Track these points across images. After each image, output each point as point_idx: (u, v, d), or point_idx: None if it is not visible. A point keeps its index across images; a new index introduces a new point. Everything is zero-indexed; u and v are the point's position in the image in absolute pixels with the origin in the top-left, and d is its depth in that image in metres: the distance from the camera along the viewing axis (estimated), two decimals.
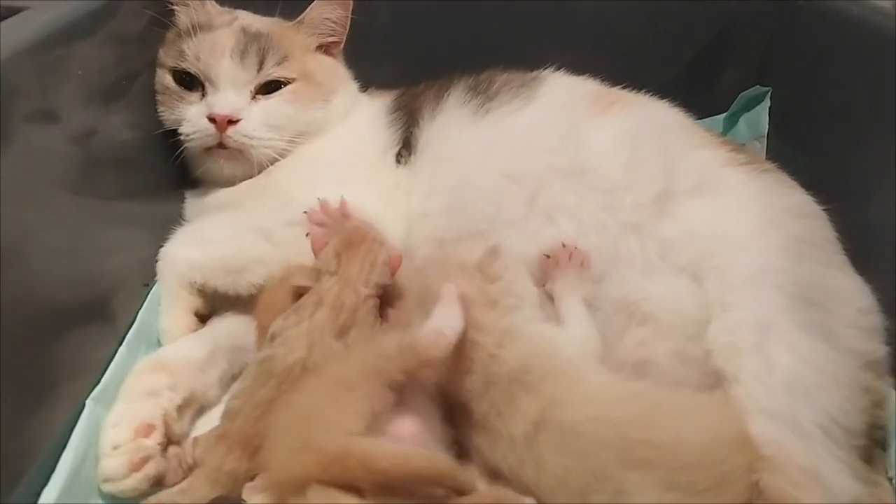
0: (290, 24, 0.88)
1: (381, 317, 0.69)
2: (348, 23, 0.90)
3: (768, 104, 0.99)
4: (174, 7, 0.88)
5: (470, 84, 0.88)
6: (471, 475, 0.58)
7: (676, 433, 0.56)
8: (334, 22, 0.89)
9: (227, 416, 0.63)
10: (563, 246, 0.73)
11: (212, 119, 0.81)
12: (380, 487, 0.52)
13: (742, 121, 1.04)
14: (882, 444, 0.68)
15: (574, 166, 0.77)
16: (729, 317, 0.66)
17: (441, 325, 0.57)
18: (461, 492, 0.56)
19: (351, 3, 0.89)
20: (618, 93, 0.87)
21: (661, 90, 0.89)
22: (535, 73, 0.90)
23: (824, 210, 0.80)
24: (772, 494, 0.54)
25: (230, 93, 0.82)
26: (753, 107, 1.02)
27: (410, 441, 0.58)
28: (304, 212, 0.77)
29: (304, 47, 0.88)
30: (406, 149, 0.86)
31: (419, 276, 0.68)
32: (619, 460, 0.55)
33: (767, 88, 1.00)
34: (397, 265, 0.70)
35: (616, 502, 0.54)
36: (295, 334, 0.63)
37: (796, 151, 0.96)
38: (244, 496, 0.58)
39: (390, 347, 0.57)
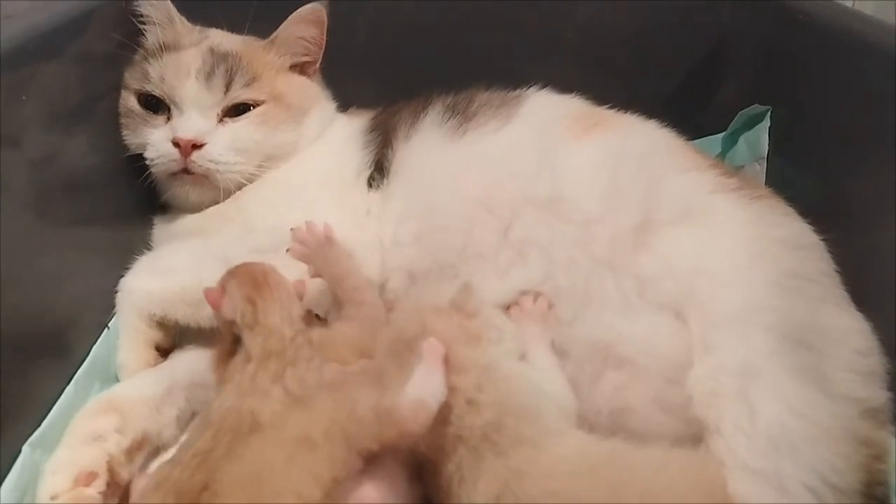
0: (262, 42, 0.85)
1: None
2: (324, 41, 0.87)
3: (768, 123, 0.94)
4: (143, 26, 0.85)
5: (448, 103, 0.84)
6: None
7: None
8: (308, 41, 0.86)
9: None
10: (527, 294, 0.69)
11: (176, 143, 0.78)
12: None
13: (742, 140, 0.99)
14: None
15: (548, 195, 0.73)
16: (711, 360, 0.61)
17: (423, 393, 0.52)
18: None
19: (325, 21, 0.85)
20: (602, 113, 0.82)
21: (657, 108, 0.85)
22: (518, 92, 0.85)
23: (825, 238, 0.75)
24: None
25: (195, 115, 0.79)
26: (753, 126, 0.96)
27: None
28: (291, 228, 0.74)
29: (275, 67, 0.85)
30: (378, 172, 0.82)
31: (392, 323, 0.64)
32: None
33: (767, 107, 0.94)
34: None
35: None
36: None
37: (798, 173, 0.91)
38: None
39: (365, 411, 0.53)
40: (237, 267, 0.64)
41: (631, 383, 0.64)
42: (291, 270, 0.73)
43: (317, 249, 0.74)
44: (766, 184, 0.93)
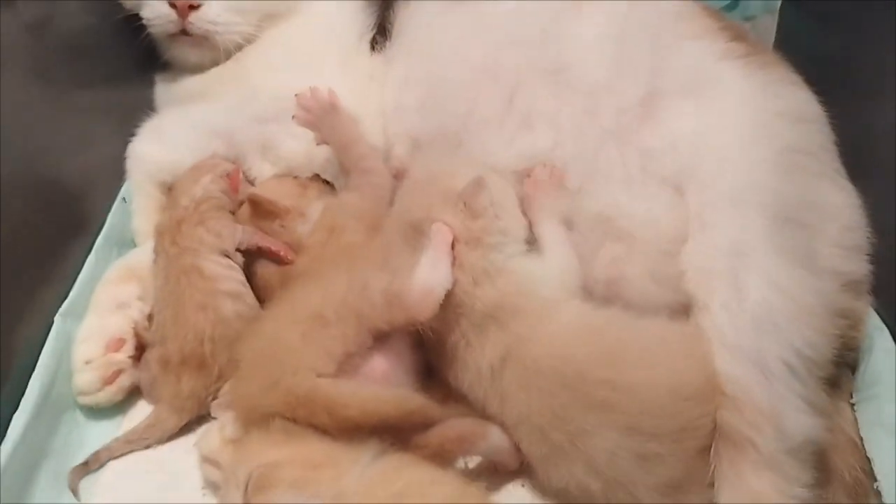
0: None
1: None
2: None
3: None
4: None
5: None
6: (438, 409, 0.58)
7: (639, 376, 0.55)
8: None
9: (157, 340, 0.64)
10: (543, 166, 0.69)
11: (172, 4, 0.76)
12: (345, 429, 0.53)
13: None
14: (852, 367, 0.67)
15: (554, 63, 0.71)
16: (704, 238, 0.63)
17: (430, 281, 0.56)
18: (430, 425, 0.57)
19: None
20: None
21: None
22: None
23: (828, 102, 0.76)
24: (728, 432, 0.54)
25: None
26: None
27: (381, 380, 0.58)
28: (296, 95, 0.74)
29: None
30: (381, 34, 0.80)
31: (401, 200, 0.66)
32: (579, 400, 0.54)
33: None
34: (236, 178, 0.73)
35: (575, 442, 0.54)
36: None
37: (810, 27, 0.88)
38: (212, 413, 0.60)
39: (376, 294, 0.56)
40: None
41: (628, 255, 0.67)
42: (297, 137, 0.75)
43: (322, 116, 0.74)
44: (776, 37, 0.91)
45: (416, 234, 0.62)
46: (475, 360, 0.59)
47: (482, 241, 0.62)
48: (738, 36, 0.75)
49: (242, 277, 0.68)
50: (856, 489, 0.58)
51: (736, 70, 0.71)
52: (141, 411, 0.66)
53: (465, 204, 0.62)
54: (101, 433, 0.64)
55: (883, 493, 0.58)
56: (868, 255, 0.69)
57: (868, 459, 0.60)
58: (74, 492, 0.60)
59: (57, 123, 0.73)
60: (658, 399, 0.54)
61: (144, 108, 0.84)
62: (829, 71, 0.82)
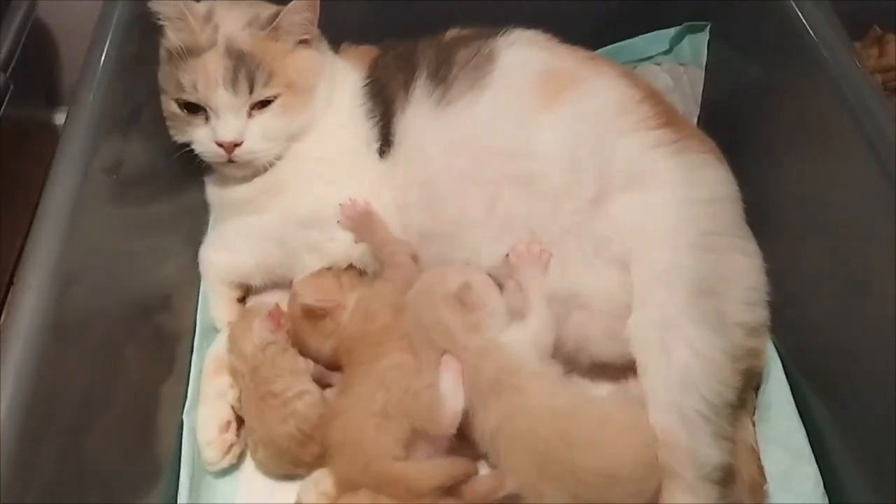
0: (266, 32, 0.96)
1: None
2: (318, 17, 0.98)
3: (707, 37, 1.09)
4: (160, 23, 0.97)
5: (432, 71, 0.98)
6: (475, 466, 0.84)
7: (585, 460, 0.76)
8: (306, 23, 0.97)
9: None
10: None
11: (220, 144, 0.95)
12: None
13: (686, 41, 1.13)
14: (756, 388, 0.93)
15: (523, 175, 0.92)
16: (641, 313, 0.85)
17: (456, 406, 0.80)
18: (470, 476, 0.83)
19: (317, 1, 0.96)
20: (566, 73, 0.95)
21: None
22: (490, 45, 0.98)
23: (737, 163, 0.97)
24: (665, 466, 0.79)
25: (230, 118, 0.94)
26: (697, 32, 1.11)
27: (432, 451, 0.83)
28: (340, 204, 0.96)
29: (283, 53, 0.97)
30: (384, 142, 1.00)
31: (412, 307, 0.89)
32: (543, 471, 0.77)
33: (706, 23, 1.08)
34: (276, 315, 0.94)
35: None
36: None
37: (731, 86, 1.08)
38: (302, 488, 0.85)
39: (419, 406, 0.81)
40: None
41: (590, 321, 0.90)
42: (338, 239, 0.97)
43: (359, 221, 0.96)
44: (703, 91, 1.11)
45: (430, 334, 0.86)
46: (480, 426, 0.82)
47: (479, 327, 0.85)
48: (668, 120, 0.94)
49: (307, 379, 0.91)
50: (752, 487, 0.84)
51: (665, 160, 0.91)
52: (250, 468, 0.91)
53: (460, 303, 0.85)
54: (227, 485, 0.90)
55: (769, 494, 0.85)
56: (767, 301, 0.94)
57: (761, 466, 0.87)
58: None
59: (138, 243, 0.92)
60: (598, 481, 0.75)
61: (204, 212, 1.06)
62: (742, 126, 1.04)
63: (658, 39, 1.16)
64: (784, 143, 0.97)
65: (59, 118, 1.33)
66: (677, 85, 1.16)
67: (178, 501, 0.85)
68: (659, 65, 1.18)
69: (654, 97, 0.98)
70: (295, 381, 0.90)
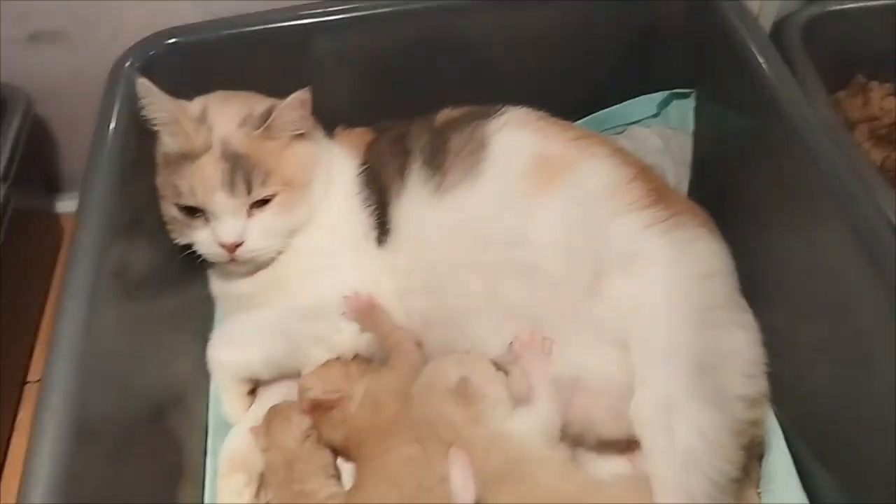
0: (259, 131, 0.98)
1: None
2: (310, 114, 1.01)
3: (693, 104, 1.11)
4: (155, 128, 0.99)
5: (426, 159, 1.00)
6: None
7: None
8: (298, 120, 0.99)
9: None
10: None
11: (222, 245, 0.97)
12: None
13: (673, 106, 1.16)
14: (760, 457, 0.95)
15: (521, 263, 0.94)
16: (643, 394, 0.87)
17: (467, 500, 0.82)
18: None
19: (309, 98, 0.98)
20: (558, 157, 0.98)
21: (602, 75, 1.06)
22: (482, 129, 1.01)
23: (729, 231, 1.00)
24: None
25: (230, 220, 0.97)
26: (683, 98, 1.13)
27: None
28: (344, 296, 0.98)
29: (278, 151, 0.99)
30: (382, 231, 1.02)
31: (415, 399, 0.91)
32: None
33: (691, 91, 1.10)
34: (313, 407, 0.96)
35: None
36: None
37: (718, 151, 1.10)
38: None
39: (431, 497, 0.84)
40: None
41: (593, 402, 0.92)
42: (343, 330, 0.99)
43: (363, 313, 0.98)
44: (693, 157, 1.13)
45: (434, 429, 0.88)
46: None
47: (480, 419, 0.87)
48: (660, 197, 0.96)
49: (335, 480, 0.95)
50: None
51: (658, 238, 0.93)
52: None
53: (461, 397, 0.87)
54: None
55: None
56: (766, 372, 0.96)
57: None
58: None
59: (148, 343, 0.95)
60: None
61: (209, 306, 1.08)
62: (730, 192, 1.06)
63: (646, 104, 1.19)
64: (771, 210, 0.99)
65: (61, 206, 1.37)
66: (667, 146, 1.18)
67: None
68: (648, 127, 1.21)
69: (645, 174, 1.00)
70: (326, 481, 0.93)
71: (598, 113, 1.21)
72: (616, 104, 1.21)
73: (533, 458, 0.86)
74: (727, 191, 1.07)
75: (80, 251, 0.85)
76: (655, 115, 1.19)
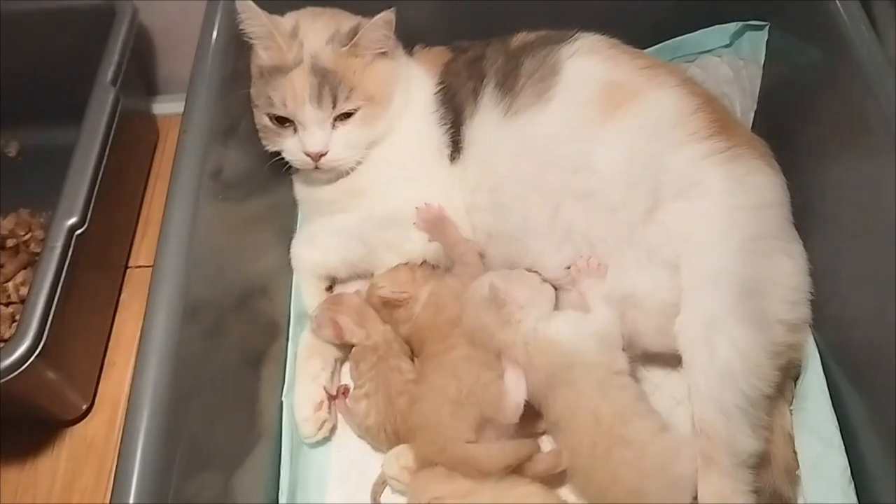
0: (347, 48, 1.04)
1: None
2: (394, 30, 1.07)
3: (766, 36, 1.12)
4: (251, 41, 1.07)
5: (499, 80, 1.06)
6: (537, 445, 0.96)
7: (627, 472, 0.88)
8: (383, 40, 1.06)
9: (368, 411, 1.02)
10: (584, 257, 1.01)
11: (307, 153, 1.06)
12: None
13: (746, 37, 1.17)
14: (795, 378, 1.01)
15: (584, 189, 0.99)
16: (689, 312, 0.93)
17: (519, 398, 0.91)
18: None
19: (393, 19, 1.04)
20: (626, 86, 1.01)
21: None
22: (554, 55, 1.05)
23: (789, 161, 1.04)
24: (703, 453, 0.88)
25: (316, 130, 1.05)
26: (757, 30, 1.14)
27: (501, 433, 0.94)
28: (416, 207, 1.06)
29: (362, 68, 1.06)
30: (455, 149, 1.09)
31: (464, 309, 1.00)
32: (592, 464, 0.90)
33: (765, 24, 1.12)
34: (339, 329, 1.05)
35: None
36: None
37: (787, 85, 1.12)
38: (386, 460, 0.99)
39: (488, 397, 0.92)
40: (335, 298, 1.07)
41: (642, 318, 0.99)
42: (413, 239, 1.08)
43: (433, 224, 1.07)
44: (760, 90, 1.15)
45: (477, 337, 0.97)
46: (547, 414, 0.95)
47: (510, 320, 0.95)
48: (721, 128, 1.00)
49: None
50: (786, 471, 0.94)
51: (716, 169, 0.98)
52: (340, 440, 1.06)
53: (493, 301, 0.95)
54: (321, 455, 1.04)
55: (802, 478, 0.94)
56: (809, 299, 1.01)
57: (795, 452, 0.96)
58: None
59: (239, 238, 1.05)
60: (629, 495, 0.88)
61: (293, 208, 1.18)
62: (795, 125, 1.09)
63: (719, 34, 1.20)
64: (830, 144, 1.02)
65: (158, 107, 1.47)
66: (737, 77, 1.20)
67: (282, 468, 0.99)
68: (720, 56, 1.22)
69: (710, 104, 1.03)
70: (410, 365, 1.05)
71: (671, 41, 1.23)
72: (690, 32, 1.22)
73: (580, 364, 0.94)
74: (791, 124, 1.10)
75: (186, 153, 0.94)
76: (728, 46, 1.20)
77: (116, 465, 0.74)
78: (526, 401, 0.93)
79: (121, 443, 0.74)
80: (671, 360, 1.01)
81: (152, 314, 0.82)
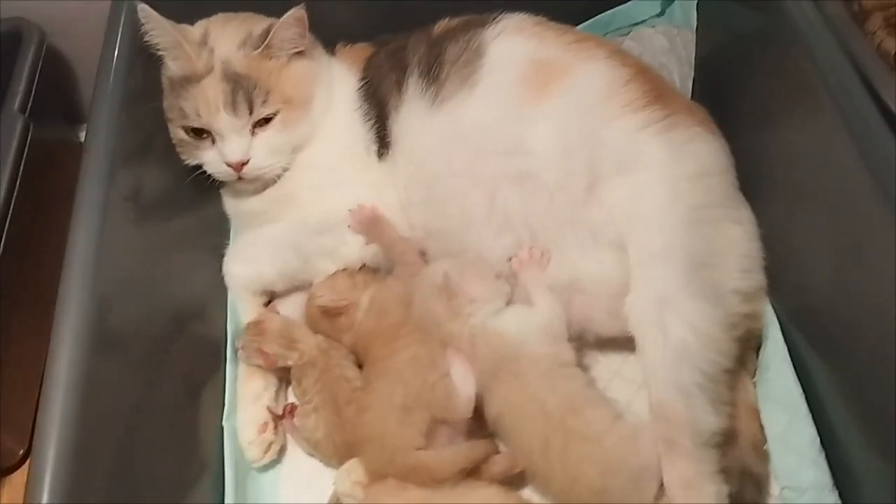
0: (259, 51, 1.00)
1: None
2: (307, 31, 1.02)
3: (696, 1, 1.09)
4: (159, 51, 1.02)
5: (423, 69, 1.01)
6: (494, 445, 0.91)
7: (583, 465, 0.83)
8: (296, 38, 1.01)
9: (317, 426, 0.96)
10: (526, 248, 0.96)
11: (228, 164, 1.01)
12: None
13: (677, 5, 1.14)
14: (757, 348, 0.97)
15: (518, 171, 0.95)
16: (638, 292, 0.89)
17: (469, 392, 0.87)
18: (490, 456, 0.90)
19: (304, 15, 0.99)
20: (554, 62, 0.98)
21: None
22: (477, 38, 1.01)
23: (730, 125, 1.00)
24: (664, 437, 0.84)
25: (234, 139, 1.00)
26: None
27: (452, 436, 0.89)
28: (349, 210, 1.01)
29: (277, 70, 1.01)
30: (383, 146, 1.04)
31: (413, 298, 0.95)
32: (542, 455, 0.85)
33: None
34: (268, 358, 1.00)
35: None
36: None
37: (721, 49, 1.08)
38: (338, 478, 0.93)
39: (435, 392, 0.88)
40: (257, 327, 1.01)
41: (591, 303, 0.95)
42: (349, 242, 1.03)
43: (368, 224, 1.02)
44: (697, 56, 1.11)
45: (424, 325, 0.93)
46: (487, 411, 0.89)
47: (460, 314, 0.91)
48: (656, 97, 0.96)
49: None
50: (754, 447, 0.89)
51: (653, 139, 0.94)
52: (290, 462, 1.00)
53: (444, 291, 0.91)
54: (270, 477, 0.99)
55: (771, 452, 0.89)
56: (763, 266, 0.97)
57: (762, 426, 0.91)
58: None
59: (166, 261, 0.99)
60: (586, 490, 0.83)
61: (225, 223, 1.13)
62: (733, 89, 1.05)
63: (649, 4, 1.17)
64: (771, 106, 0.98)
65: (83, 134, 1.41)
66: (672, 46, 1.17)
67: (226, 496, 0.93)
68: (653, 27, 1.19)
69: (642, 74, 0.99)
70: (356, 371, 1.00)
71: (601, 15, 1.20)
72: (620, 5, 1.19)
73: (526, 357, 0.90)
74: (730, 88, 1.06)
75: (88, 175, 0.89)
76: (660, 15, 1.17)
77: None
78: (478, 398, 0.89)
79: (28, 476, 0.70)
80: (628, 345, 0.94)
81: (55, 350, 0.76)
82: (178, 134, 1.03)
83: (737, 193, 0.98)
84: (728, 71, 1.07)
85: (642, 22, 1.19)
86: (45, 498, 0.68)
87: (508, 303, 0.96)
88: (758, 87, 1.01)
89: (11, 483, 1.07)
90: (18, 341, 1.07)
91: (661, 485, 0.85)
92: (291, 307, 1.08)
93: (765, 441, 0.90)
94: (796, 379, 0.92)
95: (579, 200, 0.94)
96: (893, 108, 0.82)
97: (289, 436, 1.01)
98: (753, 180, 0.99)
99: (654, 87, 0.98)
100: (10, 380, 1.05)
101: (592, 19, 1.20)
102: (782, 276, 0.96)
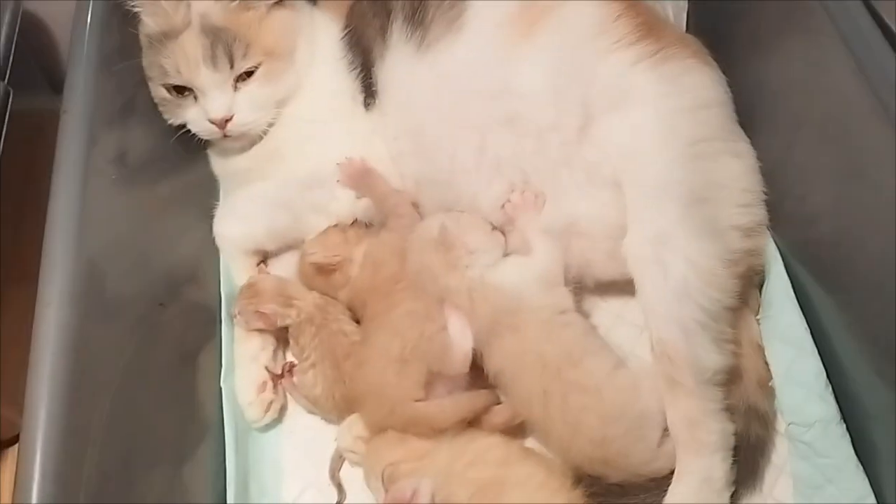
0: (236, 3, 0.96)
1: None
2: None
3: None
4: (135, 9, 0.99)
5: (407, 14, 0.98)
6: (494, 396, 0.90)
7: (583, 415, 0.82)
8: None
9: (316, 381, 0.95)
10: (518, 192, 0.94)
11: (212, 121, 0.98)
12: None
13: None
14: (760, 286, 0.95)
15: (508, 114, 0.92)
16: (636, 231, 0.87)
17: (465, 346, 0.85)
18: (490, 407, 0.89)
19: None
20: (541, 1, 0.94)
21: None
22: None
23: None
24: (665, 376, 0.82)
25: (216, 94, 0.97)
26: None
27: (452, 387, 0.88)
28: (338, 164, 0.99)
29: (257, 21, 0.98)
30: (370, 95, 1.01)
31: (408, 252, 0.93)
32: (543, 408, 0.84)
33: None
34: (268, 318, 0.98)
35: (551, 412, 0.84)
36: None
37: None
38: (339, 434, 0.92)
39: (433, 349, 0.86)
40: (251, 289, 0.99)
41: (589, 245, 0.93)
42: (340, 197, 1.01)
43: (358, 178, 0.99)
44: None
45: (420, 280, 0.91)
46: (487, 365, 0.88)
47: (457, 266, 0.89)
48: (648, 31, 0.93)
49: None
50: (760, 384, 0.88)
51: (646, 74, 0.91)
52: (290, 422, 0.99)
53: (441, 243, 0.89)
54: (271, 437, 0.98)
55: (776, 388, 0.88)
56: (764, 200, 0.94)
57: (767, 363, 0.89)
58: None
59: (156, 224, 0.97)
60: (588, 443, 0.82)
61: (214, 184, 1.10)
62: (729, 22, 1.02)
63: None
64: (768, 34, 0.95)
65: None
66: None
67: (227, 458, 0.92)
68: None
69: (632, 8, 0.95)
70: (353, 325, 0.98)
71: None
72: None
73: (525, 308, 0.88)
74: (726, 18, 1.03)
75: (67, 136, 0.86)
76: None
77: (16, 469, 0.68)
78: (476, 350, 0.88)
79: (19, 444, 0.69)
80: (628, 288, 0.92)
81: (41, 313, 0.75)
82: (159, 92, 1.00)
83: (735, 126, 0.95)
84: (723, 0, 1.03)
85: None
86: (36, 469, 0.67)
87: (506, 254, 0.95)
88: (754, 15, 0.98)
89: (13, 455, 1.06)
90: (15, 313, 1.06)
91: (664, 433, 0.84)
92: (284, 267, 1.06)
93: (770, 377, 0.89)
94: (801, 314, 0.90)
95: (572, 140, 0.92)
96: (893, 25, 0.79)
97: (289, 396, 1.00)
98: (752, 112, 0.96)
99: (645, 21, 0.95)
100: (9, 352, 1.04)
101: None
102: (784, 210, 0.93)
